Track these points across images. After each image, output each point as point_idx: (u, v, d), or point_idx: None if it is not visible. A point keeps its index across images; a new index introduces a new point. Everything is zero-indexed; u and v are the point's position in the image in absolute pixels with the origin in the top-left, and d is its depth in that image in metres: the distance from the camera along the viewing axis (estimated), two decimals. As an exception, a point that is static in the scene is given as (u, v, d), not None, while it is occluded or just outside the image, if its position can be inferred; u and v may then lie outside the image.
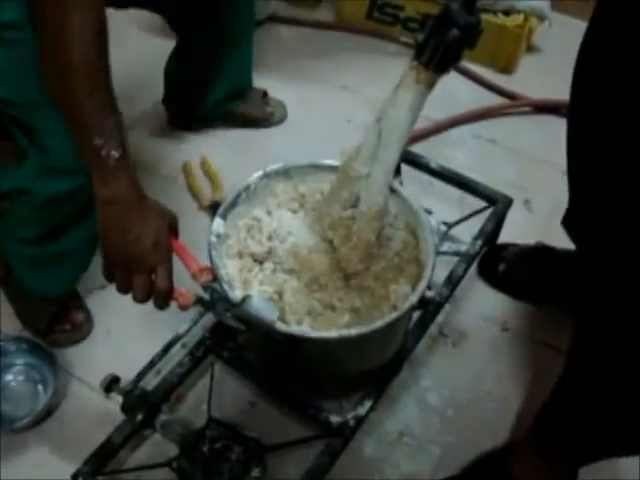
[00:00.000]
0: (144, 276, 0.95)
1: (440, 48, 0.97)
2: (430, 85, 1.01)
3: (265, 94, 1.91)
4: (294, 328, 1.07)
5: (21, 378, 1.38)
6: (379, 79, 1.95)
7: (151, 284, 0.96)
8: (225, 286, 1.06)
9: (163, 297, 0.96)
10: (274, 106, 1.92)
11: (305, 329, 1.07)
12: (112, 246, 0.96)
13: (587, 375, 1.05)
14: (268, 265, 1.17)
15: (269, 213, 1.23)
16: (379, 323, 1.06)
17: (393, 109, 1.04)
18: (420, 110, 1.05)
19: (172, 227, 1.00)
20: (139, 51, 1.91)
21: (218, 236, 1.15)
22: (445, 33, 0.95)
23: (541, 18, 2.03)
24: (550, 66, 2.04)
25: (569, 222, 1.32)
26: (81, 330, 1.45)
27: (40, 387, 1.37)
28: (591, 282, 1.01)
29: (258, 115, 1.89)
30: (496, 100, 2.00)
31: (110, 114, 0.94)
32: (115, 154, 0.93)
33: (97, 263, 0.97)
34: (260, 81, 1.87)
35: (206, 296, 1.03)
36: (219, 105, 1.82)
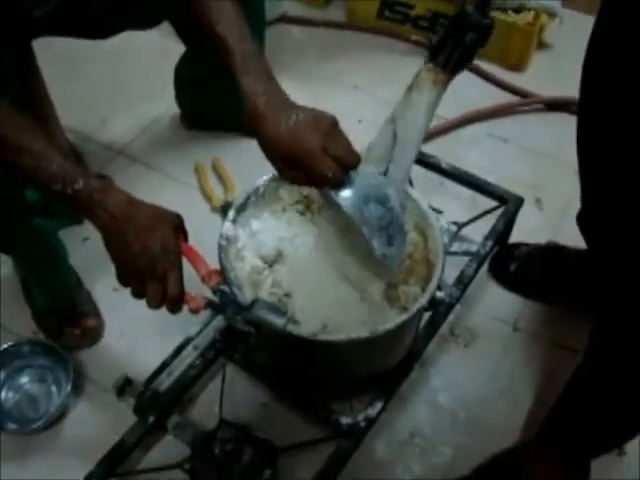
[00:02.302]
0: (156, 283, 0.95)
1: (457, 50, 1.00)
2: (446, 86, 1.04)
3: None
4: (303, 331, 1.06)
5: (35, 380, 1.40)
6: (390, 78, 1.95)
7: (163, 290, 0.95)
8: (234, 289, 1.06)
9: (174, 303, 0.96)
10: None
11: (314, 332, 1.07)
12: (121, 261, 0.96)
13: (602, 373, 1.05)
14: (278, 267, 1.17)
15: (278, 216, 1.24)
16: (388, 325, 1.06)
17: (410, 111, 1.05)
18: (435, 110, 1.07)
19: (178, 229, 1.00)
20: (155, 52, 1.92)
21: (227, 239, 1.15)
22: (462, 36, 0.98)
23: (552, 15, 2.02)
24: (561, 63, 2.03)
25: (582, 220, 1.31)
26: (91, 335, 1.46)
27: (54, 389, 1.38)
28: (605, 281, 1.01)
29: None
30: (507, 98, 1.99)
31: (52, 155, 0.94)
32: (78, 186, 0.93)
33: (111, 265, 0.97)
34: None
35: (216, 299, 1.02)
36: (228, 114, 1.75)
